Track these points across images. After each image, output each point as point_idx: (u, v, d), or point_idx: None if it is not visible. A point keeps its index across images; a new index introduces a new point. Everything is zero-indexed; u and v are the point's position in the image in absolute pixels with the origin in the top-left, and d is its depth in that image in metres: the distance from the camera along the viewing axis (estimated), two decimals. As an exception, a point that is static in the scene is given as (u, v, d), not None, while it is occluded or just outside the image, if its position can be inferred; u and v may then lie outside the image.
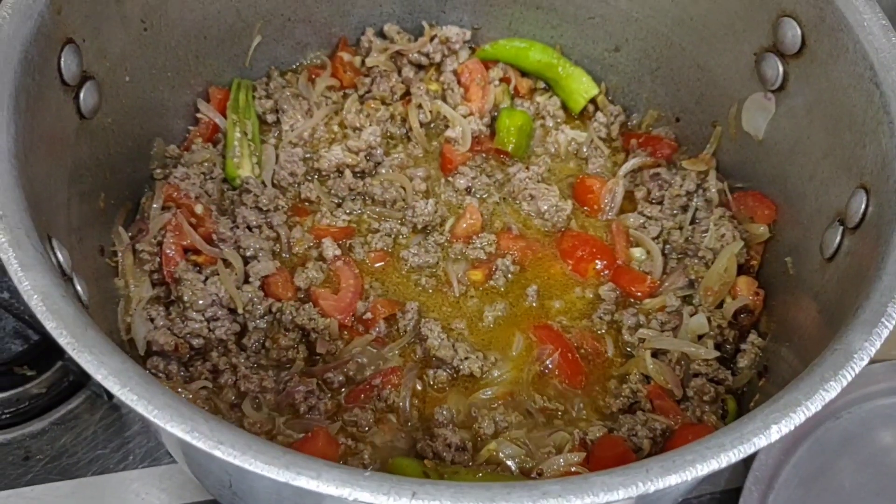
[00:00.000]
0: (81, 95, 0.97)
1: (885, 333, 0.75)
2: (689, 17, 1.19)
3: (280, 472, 0.62)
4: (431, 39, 1.34)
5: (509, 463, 1.00)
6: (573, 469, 0.98)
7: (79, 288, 0.86)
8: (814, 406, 0.70)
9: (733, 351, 1.11)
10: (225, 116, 1.25)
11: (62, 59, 0.92)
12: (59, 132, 0.93)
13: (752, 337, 1.10)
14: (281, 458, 0.63)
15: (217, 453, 0.63)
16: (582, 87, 1.34)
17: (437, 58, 1.33)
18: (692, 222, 1.20)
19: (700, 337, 1.10)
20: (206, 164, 1.20)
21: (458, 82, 1.34)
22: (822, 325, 0.92)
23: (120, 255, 1.07)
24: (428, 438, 1.01)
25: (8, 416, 1.17)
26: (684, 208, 1.22)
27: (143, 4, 1.07)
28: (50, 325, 0.68)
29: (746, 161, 1.18)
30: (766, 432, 0.68)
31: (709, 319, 1.10)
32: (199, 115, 1.25)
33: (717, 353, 1.08)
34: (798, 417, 0.69)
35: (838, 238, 0.95)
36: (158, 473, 1.15)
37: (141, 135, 1.16)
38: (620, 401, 1.07)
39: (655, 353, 1.10)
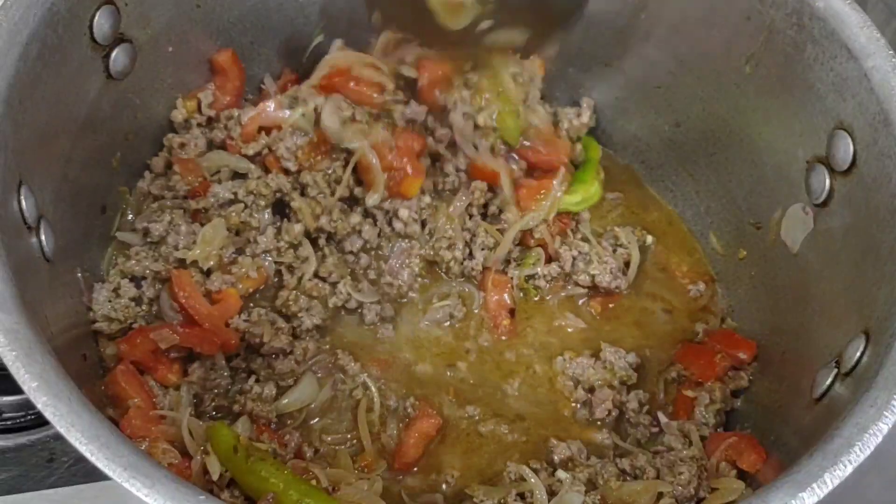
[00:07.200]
0: (112, 55, 0.99)
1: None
2: (752, 108, 1.11)
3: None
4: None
5: None
6: None
7: (43, 238, 0.87)
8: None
9: None
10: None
11: (95, 19, 0.94)
12: (75, 86, 0.95)
13: None
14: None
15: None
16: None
17: None
18: None
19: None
20: None
21: None
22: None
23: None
24: None
25: (32, 417, 1.13)
26: None
27: (199, -18, 1.09)
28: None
29: (777, 269, 1.11)
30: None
31: None
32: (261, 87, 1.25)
33: None
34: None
35: (829, 380, 0.87)
36: (183, 478, 1.13)
37: (174, 105, 1.17)
38: None
39: None
